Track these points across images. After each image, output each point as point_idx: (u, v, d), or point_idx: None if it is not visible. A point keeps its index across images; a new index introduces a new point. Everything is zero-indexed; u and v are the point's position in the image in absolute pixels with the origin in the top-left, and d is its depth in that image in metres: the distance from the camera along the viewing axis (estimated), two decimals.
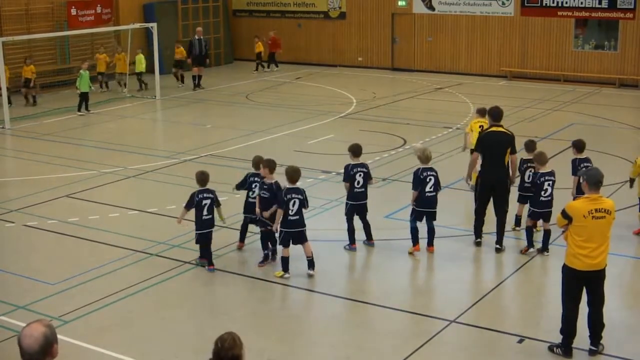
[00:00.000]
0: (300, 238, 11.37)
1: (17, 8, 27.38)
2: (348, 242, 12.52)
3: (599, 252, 8.73)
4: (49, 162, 18.11)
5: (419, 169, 12.16)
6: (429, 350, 9.31)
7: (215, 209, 11.60)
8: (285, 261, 11.37)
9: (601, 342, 9.09)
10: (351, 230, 12.49)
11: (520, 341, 9.43)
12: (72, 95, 26.88)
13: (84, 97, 23.71)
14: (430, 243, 12.34)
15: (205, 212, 11.43)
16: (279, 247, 11.52)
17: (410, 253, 12.28)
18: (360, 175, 12.29)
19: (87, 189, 15.92)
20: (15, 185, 16.51)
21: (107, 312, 10.35)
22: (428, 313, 10.30)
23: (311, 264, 11.39)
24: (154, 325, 10.05)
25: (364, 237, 12.66)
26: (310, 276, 11.34)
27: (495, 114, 12.27)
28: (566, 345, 9.03)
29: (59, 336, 4.79)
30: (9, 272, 11.81)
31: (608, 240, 8.83)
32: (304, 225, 11.39)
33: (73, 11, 28.54)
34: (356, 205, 12.41)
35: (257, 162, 12.06)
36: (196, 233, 11.59)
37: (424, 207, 12.16)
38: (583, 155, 12.68)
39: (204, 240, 11.58)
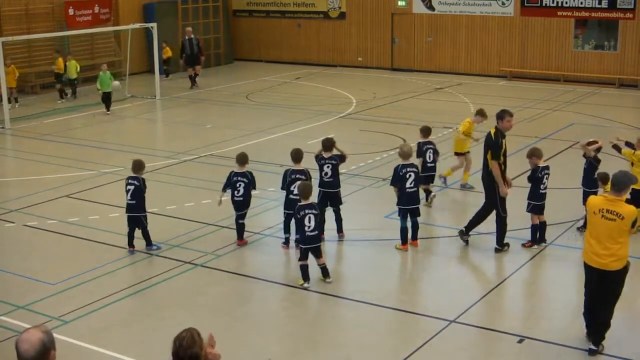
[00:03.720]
0: (316, 253, 11.18)
1: (17, 8, 27.39)
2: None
3: (606, 254, 8.69)
4: (49, 162, 18.11)
5: (399, 165, 12.27)
6: (429, 350, 9.31)
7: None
8: (304, 269, 11.16)
9: (602, 342, 9.08)
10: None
11: (520, 341, 9.43)
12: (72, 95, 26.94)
13: (107, 96, 23.76)
14: (414, 237, 12.47)
15: (128, 197, 12.38)
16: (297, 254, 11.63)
17: (397, 248, 12.41)
18: (328, 167, 12.75)
19: (87, 189, 15.92)
20: (15, 185, 16.52)
21: (108, 312, 10.35)
22: (428, 313, 10.30)
23: (325, 271, 11.30)
24: (154, 325, 10.05)
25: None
26: (328, 282, 11.24)
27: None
28: (586, 327, 9.28)
29: (59, 336, 4.81)
30: (9, 272, 11.81)
31: (619, 245, 8.69)
32: (320, 241, 11.28)
33: (70, 11, 28.52)
34: (328, 193, 12.72)
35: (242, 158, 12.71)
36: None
37: (407, 205, 12.22)
38: (545, 164, 12.66)
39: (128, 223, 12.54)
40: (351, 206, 14.40)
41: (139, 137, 21.13)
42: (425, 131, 14.40)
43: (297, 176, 12.23)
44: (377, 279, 11.70)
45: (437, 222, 13.66)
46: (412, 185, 12.12)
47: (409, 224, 12.34)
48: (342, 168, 16.90)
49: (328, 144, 12.93)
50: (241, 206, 12.54)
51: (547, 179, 12.46)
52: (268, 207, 14.46)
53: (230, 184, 12.55)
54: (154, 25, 26.88)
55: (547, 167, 12.53)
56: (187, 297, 10.88)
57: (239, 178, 12.46)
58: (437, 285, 11.42)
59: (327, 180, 12.76)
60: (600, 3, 27.74)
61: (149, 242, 12.46)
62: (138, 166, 12.55)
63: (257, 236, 12.96)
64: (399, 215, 12.36)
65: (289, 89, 28.21)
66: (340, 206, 12.97)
